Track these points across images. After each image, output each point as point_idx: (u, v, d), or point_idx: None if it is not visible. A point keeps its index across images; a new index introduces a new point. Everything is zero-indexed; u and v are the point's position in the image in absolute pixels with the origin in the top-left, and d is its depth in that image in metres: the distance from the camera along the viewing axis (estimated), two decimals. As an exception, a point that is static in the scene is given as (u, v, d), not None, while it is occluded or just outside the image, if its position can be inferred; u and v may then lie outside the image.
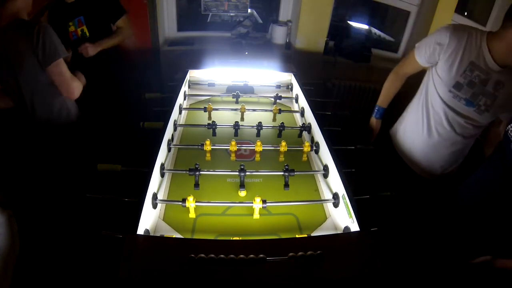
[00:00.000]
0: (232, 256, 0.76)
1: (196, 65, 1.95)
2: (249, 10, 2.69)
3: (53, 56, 1.29)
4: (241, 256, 0.76)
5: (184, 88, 1.74)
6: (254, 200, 1.02)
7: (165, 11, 2.68)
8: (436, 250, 1.29)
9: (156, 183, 1.09)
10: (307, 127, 1.49)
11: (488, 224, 1.17)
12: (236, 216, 1.09)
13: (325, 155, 1.25)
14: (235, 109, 1.64)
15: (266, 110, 1.65)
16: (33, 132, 1.49)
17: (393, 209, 1.34)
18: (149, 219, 0.98)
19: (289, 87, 1.94)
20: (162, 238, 0.95)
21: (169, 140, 1.32)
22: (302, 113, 1.65)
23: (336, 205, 1.10)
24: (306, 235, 1.01)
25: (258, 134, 1.46)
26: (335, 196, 1.11)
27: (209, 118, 1.57)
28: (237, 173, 1.15)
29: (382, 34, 3.16)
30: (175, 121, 1.46)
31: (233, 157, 1.33)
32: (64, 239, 1.46)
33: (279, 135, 1.49)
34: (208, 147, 1.28)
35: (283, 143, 1.30)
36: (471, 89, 1.22)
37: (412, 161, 1.46)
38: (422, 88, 1.40)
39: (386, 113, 1.60)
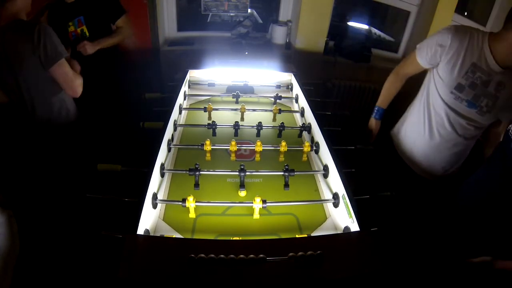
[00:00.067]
0: (232, 256, 0.76)
1: (196, 65, 1.95)
2: (249, 10, 2.68)
3: (55, 57, 1.31)
4: (241, 256, 0.76)
5: (184, 88, 1.73)
6: (254, 200, 1.02)
7: (165, 11, 2.68)
8: (436, 250, 1.29)
9: (156, 183, 1.09)
10: (307, 127, 1.49)
11: (488, 224, 1.17)
12: (236, 216, 1.09)
13: (325, 155, 1.25)
14: (235, 109, 1.64)
15: (266, 110, 1.65)
16: (33, 132, 1.49)
17: (393, 209, 1.34)
18: (149, 219, 0.98)
19: (289, 87, 1.94)
20: (162, 238, 0.95)
21: (169, 140, 1.32)
22: (302, 113, 1.65)
23: (336, 205, 1.10)
24: (306, 235, 1.01)
25: (258, 134, 1.46)
26: (335, 196, 1.11)
27: (209, 118, 1.57)
28: (237, 173, 1.15)
29: (382, 34, 3.16)
30: (175, 121, 1.46)
31: (233, 157, 1.33)
32: (64, 239, 1.46)
33: (279, 135, 1.49)
34: (208, 147, 1.28)
35: (283, 143, 1.30)
36: (473, 90, 1.22)
37: (413, 161, 1.46)
38: (423, 89, 1.39)
39: (386, 114, 1.60)
